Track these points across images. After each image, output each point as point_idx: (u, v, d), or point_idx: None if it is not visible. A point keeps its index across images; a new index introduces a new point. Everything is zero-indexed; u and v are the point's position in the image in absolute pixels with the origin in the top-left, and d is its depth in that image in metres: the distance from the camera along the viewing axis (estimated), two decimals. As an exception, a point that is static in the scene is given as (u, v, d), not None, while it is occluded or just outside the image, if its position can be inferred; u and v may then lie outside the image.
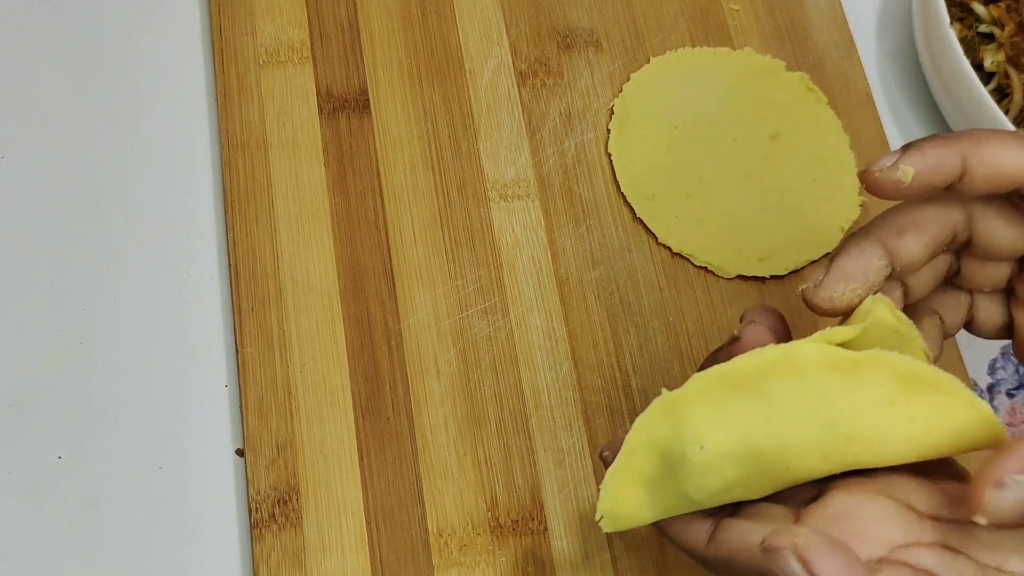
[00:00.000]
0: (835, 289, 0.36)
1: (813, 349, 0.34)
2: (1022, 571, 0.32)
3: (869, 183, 0.36)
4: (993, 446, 0.34)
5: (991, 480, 0.31)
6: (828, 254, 0.56)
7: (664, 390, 0.35)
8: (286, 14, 0.58)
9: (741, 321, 0.39)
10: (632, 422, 0.50)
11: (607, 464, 0.38)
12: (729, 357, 0.35)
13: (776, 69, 0.61)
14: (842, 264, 0.37)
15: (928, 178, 0.35)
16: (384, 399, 0.50)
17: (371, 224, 0.54)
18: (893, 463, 0.34)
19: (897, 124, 0.63)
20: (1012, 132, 0.36)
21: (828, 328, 0.35)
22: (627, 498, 0.37)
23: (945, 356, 0.48)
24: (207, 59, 0.58)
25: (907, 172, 0.35)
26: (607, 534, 0.49)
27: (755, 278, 0.55)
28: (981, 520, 0.31)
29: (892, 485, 0.35)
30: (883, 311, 0.35)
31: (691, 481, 0.35)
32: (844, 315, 0.37)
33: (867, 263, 0.36)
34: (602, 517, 0.37)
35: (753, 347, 0.36)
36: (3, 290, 0.52)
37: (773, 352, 0.34)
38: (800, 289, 0.37)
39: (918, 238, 0.37)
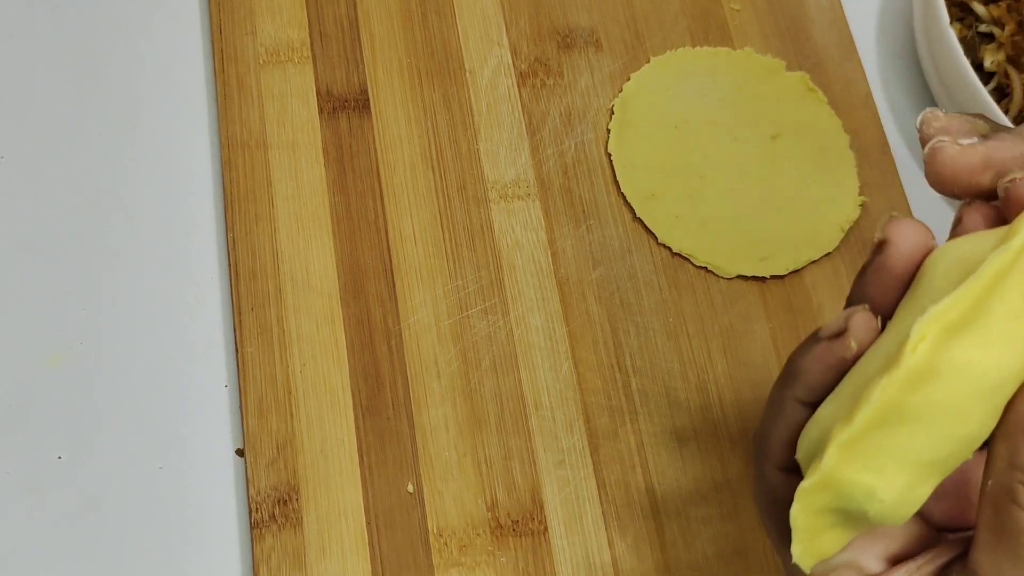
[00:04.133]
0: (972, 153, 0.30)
1: (926, 350, 0.28)
2: None
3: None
4: None
5: None
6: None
7: (802, 484, 0.30)
8: (286, 14, 0.58)
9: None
10: (632, 423, 0.50)
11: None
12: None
13: (776, 69, 0.61)
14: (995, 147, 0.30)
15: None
16: (384, 399, 0.50)
17: (371, 224, 0.54)
18: None
19: (897, 124, 0.63)
20: None
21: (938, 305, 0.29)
22: (822, 543, 0.32)
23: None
24: (207, 59, 0.58)
25: None
26: (607, 534, 0.49)
27: (755, 278, 0.55)
28: None
29: None
30: None
31: (884, 523, 0.31)
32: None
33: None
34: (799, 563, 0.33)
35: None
36: (3, 290, 0.52)
37: (901, 375, 0.28)
38: (920, 121, 0.31)
39: None
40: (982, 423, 0.29)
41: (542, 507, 0.49)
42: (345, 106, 0.56)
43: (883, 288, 0.31)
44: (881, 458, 0.29)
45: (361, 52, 0.58)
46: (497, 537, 0.48)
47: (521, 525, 0.48)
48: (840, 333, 0.31)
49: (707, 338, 0.53)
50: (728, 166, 0.57)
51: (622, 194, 0.56)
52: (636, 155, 0.57)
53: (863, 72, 0.62)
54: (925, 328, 0.28)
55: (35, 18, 0.58)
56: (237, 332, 0.51)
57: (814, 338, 0.32)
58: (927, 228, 0.31)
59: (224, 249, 0.53)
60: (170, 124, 0.56)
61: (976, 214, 0.32)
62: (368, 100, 0.57)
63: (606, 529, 0.49)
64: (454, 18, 0.59)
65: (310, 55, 0.57)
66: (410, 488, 0.49)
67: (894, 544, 0.33)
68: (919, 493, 0.30)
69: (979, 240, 0.30)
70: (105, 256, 0.53)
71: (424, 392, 0.50)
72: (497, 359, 0.52)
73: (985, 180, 0.32)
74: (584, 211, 0.56)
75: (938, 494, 0.33)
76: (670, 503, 0.50)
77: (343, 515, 0.48)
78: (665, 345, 0.53)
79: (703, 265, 0.55)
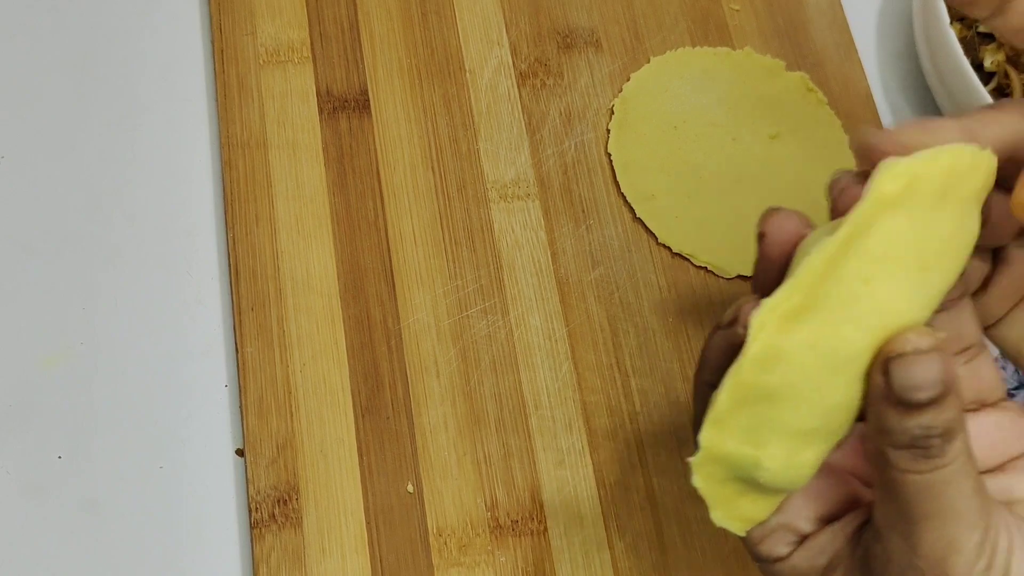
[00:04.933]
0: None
1: (766, 338, 0.30)
2: None
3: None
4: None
5: None
6: None
7: (689, 459, 0.33)
8: (286, 14, 0.58)
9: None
10: (631, 423, 0.50)
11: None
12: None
13: (776, 69, 0.61)
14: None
15: None
16: (384, 399, 0.50)
17: (371, 224, 0.54)
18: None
19: (897, 124, 0.63)
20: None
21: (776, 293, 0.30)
22: (741, 508, 0.34)
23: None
24: (207, 59, 0.58)
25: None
26: (606, 534, 0.49)
27: (755, 278, 0.55)
28: None
29: None
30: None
31: (784, 488, 0.33)
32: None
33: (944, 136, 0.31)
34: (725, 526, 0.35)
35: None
36: (3, 290, 0.52)
37: (746, 362, 0.30)
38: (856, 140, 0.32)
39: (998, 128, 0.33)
40: (846, 392, 0.31)
41: (541, 507, 0.49)
42: (345, 106, 0.56)
43: (768, 276, 0.33)
44: (757, 431, 0.32)
45: (361, 52, 0.58)
46: (497, 537, 0.48)
47: (520, 525, 0.48)
48: (733, 322, 0.33)
49: (707, 338, 0.53)
50: (728, 166, 0.57)
51: (622, 194, 0.56)
52: (636, 155, 0.57)
53: (863, 72, 0.62)
54: (763, 317, 0.30)
55: (35, 18, 0.58)
56: (237, 332, 0.51)
57: (716, 326, 0.34)
58: (799, 217, 0.33)
59: (224, 249, 0.53)
60: (170, 124, 0.56)
61: (845, 197, 0.33)
62: (368, 100, 0.57)
63: (605, 529, 0.49)
64: (454, 18, 0.59)
65: (310, 55, 0.57)
66: (410, 488, 0.49)
67: (826, 505, 0.35)
68: (804, 459, 0.32)
69: (831, 229, 0.32)
70: (105, 256, 0.53)
71: (424, 392, 0.50)
72: (497, 359, 0.52)
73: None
74: (584, 211, 0.56)
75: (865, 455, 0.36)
76: (669, 503, 0.50)
77: (343, 515, 0.48)
78: (665, 345, 0.53)
79: (703, 265, 0.55)
